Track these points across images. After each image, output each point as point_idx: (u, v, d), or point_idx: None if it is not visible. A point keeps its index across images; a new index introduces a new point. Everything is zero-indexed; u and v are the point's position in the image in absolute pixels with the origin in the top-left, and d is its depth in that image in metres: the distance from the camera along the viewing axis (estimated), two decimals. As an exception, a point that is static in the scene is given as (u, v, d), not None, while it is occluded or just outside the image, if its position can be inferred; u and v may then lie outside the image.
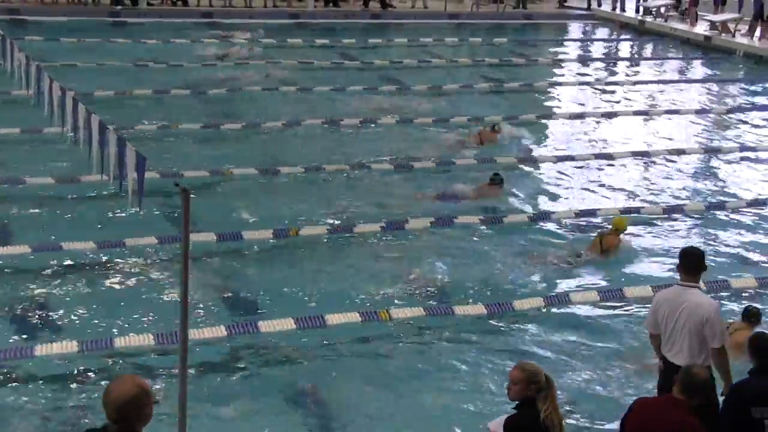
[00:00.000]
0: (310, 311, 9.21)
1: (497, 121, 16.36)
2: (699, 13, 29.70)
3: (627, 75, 23.47)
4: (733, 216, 12.66)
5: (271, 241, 11.03)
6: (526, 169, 14.51)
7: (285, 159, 14.12)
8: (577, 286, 10.28)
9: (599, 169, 14.61)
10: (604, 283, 10.43)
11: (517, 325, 9.34)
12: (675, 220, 12.41)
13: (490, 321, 9.39)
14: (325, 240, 11.19)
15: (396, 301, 9.67)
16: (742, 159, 15.62)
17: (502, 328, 9.29)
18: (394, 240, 11.30)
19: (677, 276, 7.05)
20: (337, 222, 11.68)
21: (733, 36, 27.15)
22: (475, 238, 11.50)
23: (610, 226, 11.34)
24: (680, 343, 6.79)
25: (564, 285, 10.29)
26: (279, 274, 10.22)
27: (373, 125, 16.50)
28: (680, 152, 15.76)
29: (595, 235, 11.25)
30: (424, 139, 15.78)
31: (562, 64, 24.48)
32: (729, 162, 15.45)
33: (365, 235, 11.32)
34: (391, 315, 9.19)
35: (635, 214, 12.36)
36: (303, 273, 10.23)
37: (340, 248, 10.96)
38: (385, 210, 12.18)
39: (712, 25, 28.11)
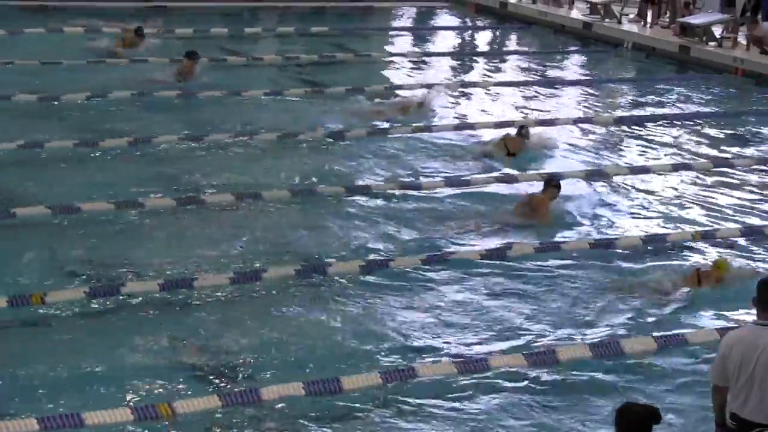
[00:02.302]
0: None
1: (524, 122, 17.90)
2: (576, -9, 31.04)
3: (484, 76, 24.19)
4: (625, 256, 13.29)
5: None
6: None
7: None
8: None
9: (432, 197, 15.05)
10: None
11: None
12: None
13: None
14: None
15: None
16: (633, 182, 16.32)
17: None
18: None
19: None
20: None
21: (619, 22, 28.48)
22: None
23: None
24: (759, 395, 7.02)
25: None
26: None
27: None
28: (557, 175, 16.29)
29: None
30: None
31: (401, 62, 25.01)
32: (617, 188, 16.07)
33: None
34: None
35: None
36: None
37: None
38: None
39: (593, 7, 29.35)
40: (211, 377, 10.03)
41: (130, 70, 21.48)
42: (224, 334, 10.81)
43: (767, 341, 7.12)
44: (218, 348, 10.54)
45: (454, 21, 31.93)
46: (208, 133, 17.38)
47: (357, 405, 9.51)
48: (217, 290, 11.72)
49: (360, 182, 15.63)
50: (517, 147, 16.91)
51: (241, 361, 10.30)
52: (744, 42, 25.32)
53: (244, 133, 17.65)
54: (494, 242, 13.42)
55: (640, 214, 14.95)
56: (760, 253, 13.53)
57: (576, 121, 19.68)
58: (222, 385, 9.83)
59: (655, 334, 10.96)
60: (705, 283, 12.01)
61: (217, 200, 14.43)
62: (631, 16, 29.06)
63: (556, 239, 13.67)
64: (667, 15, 28.20)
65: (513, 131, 17.26)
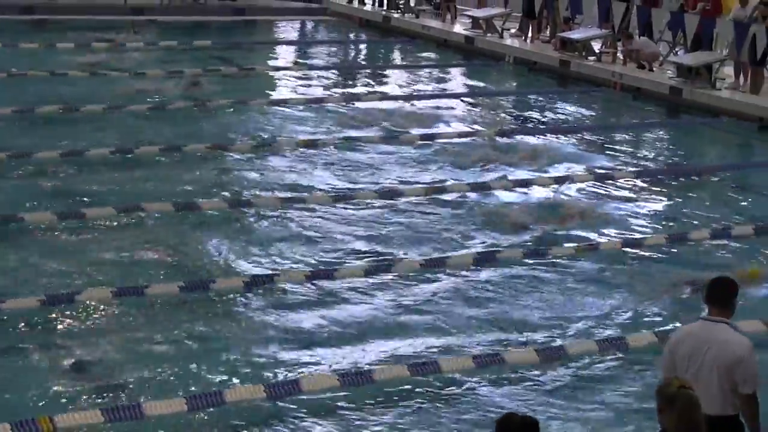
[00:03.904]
0: None
1: None
2: (459, 7, 31.39)
3: (368, 89, 24.33)
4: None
5: None
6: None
7: None
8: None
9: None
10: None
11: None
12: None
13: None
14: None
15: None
16: (516, 195, 16.55)
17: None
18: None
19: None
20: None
21: (501, 36, 28.92)
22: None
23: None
24: (705, 387, 7.26)
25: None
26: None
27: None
28: (440, 190, 16.48)
29: None
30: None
31: (285, 76, 25.05)
32: (498, 202, 16.28)
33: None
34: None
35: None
36: None
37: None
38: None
39: (475, 22, 29.77)
40: (94, 392, 9.92)
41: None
42: (107, 348, 10.74)
43: (716, 336, 7.42)
44: (101, 362, 10.45)
45: (338, 35, 32.11)
46: (88, 148, 17.24)
47: (238, 419, 9.55)
48: (100, 305, 11.62)
49: (244, 196, 15.61)
50: None
51: (124, 375, 10.22)
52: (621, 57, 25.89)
53: (127, 147, 17.54)
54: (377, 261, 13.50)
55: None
56: (634, 265, 13.81)
57: (459, 135, 19.89)
58: (105, 399, 9.74)
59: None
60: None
61: (99, 214, 14.29)
62: (513, 30, 29.51)
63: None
64: (548, 30, 28.69)
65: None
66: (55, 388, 9.95)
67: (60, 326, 11.19)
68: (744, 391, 7.38)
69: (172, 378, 10.21)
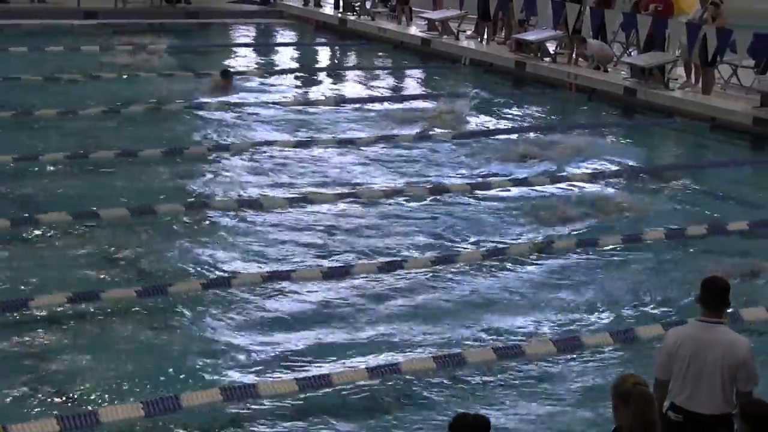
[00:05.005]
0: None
1: None
2: (414, 9, 31.40)
3: (325, 92, 24.26)
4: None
5: None
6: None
7: None
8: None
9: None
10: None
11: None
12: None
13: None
14: None
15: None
16: (475, 196, 16.57)
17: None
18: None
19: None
20: None
21: (457, 38, 28.96)
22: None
23: None
24: (708, 388, 7.60)
25: None
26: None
27: None
28: (398, 192, 16.35)
29: None
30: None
31: (239, 80, 24.87)
32: (456, 205, 16.28)
33: None
34: None
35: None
36: None
37: None
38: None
39: (431, 24, 29.80)
40: (49, 399, 9.85)
41: None
42: (62, 355, 10.66)
43: (716, 338, 7.66)
44: (56, 369, 10.38)
45: (295, 38, 32.04)
46: (43, 152, 17.13)
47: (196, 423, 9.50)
48: (55, 311, 11.51)
49: (201, 200, 15.54)
50: None
51: (79, 382, 10.15)
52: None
53: (82, 151, 17.43)
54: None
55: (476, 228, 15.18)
56: (597, 269, 13.84)
57: (415, 137, 19.89)
58: (60, 407, 9.66)
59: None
60: None
61: (53, 220, 14.17)
62: (468, 32, 29.55)
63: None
64: (503, 32, 28.75)
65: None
66: (9, 396, 9.86)
67: (14, 333, 11.07)
68: (746, 389, 7.66)
69: (128, 383, 10.14)
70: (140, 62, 25.33)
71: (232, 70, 24.21)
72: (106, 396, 9.86)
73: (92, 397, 9.86)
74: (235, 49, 29.40)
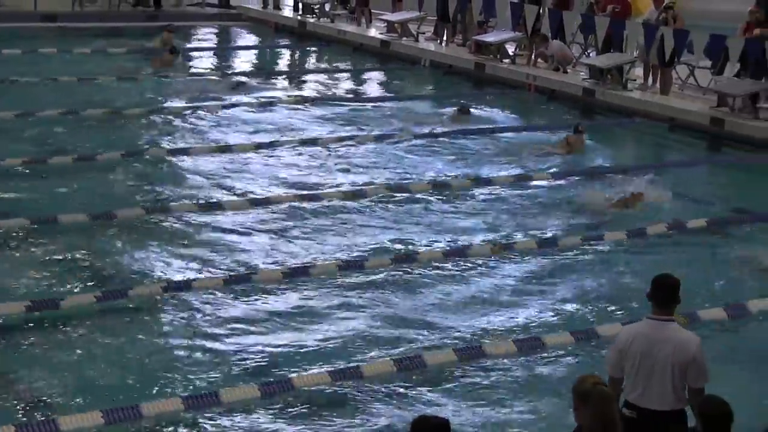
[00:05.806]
0: None
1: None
2: (373, 11, 31.37)
3: (285, 94, 24.16)
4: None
5: None
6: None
7: None
8: None
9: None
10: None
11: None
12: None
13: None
14: None
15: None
16: (436, 197, 16.53)
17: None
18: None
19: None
20: None
21: (416, 40, 28.93)
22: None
23: None
24: (659, 385, 7.72)
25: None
26: None
27: None
28: (359, 195, 16.29)
29: None
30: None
31: (197, 82, 24.77)
32: (413, 202, 16.29)
33: None
34: None
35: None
36: None
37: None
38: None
39: (390, 26, 29.77)
40: (8, 408, 9.71)
41: None
42: (21, 363, 10.52)
43: (667, 335, 7.77)
44: (14, 378, 10.24)
45: (254, 40, 31.94)
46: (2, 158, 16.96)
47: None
48: (13, 318, 11.36)
49: (160, 203, 15.42)
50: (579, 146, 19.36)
51: (38, 390, 10.00)
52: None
53: (41, 156, 17.27)
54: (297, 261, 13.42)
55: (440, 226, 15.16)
56: (557, 270, 13.85)
57: (377, 138, 19.84)
58: (19, 415, 9.53)
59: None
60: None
61: (12, 225, 14.03)
62: (428, 34, 29.55)
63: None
64: (462, 33, 28.75)
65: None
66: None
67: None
68: (697, 385, 7.75)
69: (88, 391, 10.00)
70: (99, 66, 25.16)
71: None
72: (66, 404, 9.73)
73: (52, 406, 9.72)
74: (195, 52, 29.26)
